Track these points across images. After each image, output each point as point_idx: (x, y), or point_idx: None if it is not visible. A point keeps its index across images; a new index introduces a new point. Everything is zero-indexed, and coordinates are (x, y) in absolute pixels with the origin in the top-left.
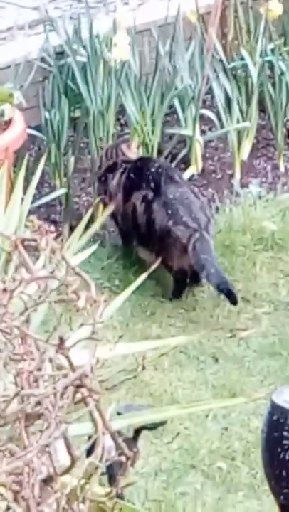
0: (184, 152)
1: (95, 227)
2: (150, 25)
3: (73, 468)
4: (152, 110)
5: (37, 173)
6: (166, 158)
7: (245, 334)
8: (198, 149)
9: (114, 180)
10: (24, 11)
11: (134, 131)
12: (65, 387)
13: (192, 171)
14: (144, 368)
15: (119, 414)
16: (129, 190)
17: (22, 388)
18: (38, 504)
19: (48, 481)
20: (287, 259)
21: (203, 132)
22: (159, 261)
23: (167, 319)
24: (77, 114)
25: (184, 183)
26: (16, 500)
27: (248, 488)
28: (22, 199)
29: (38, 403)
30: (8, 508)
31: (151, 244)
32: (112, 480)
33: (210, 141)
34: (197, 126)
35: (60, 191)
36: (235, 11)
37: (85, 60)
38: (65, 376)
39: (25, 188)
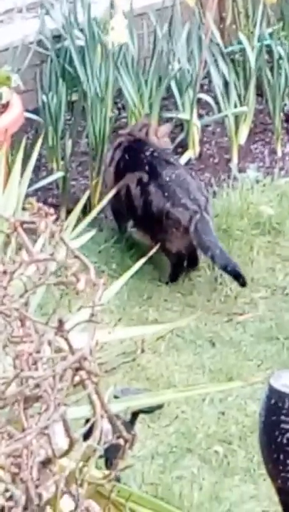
0: (181, 136)
1: (95, 212)
2: (148, 8)
3: (71, 451)
4: (150, 94)
5: (33, 156)
6: None
7: (242, 318)
8: (195, 133)
9: (109, 155)
10: None
11: (132, 115)
12: (65, 370)
13: (189, 155)
14: (143, 351)
15: (116, 397)
16: (122, 171)
17: (22, 370)
18: (37, 486)
19: (46, 463)
20: (284, 243)
21: (200, 116)
22: (157, 246)
23: (164, 303)
24: (75, 97)
25: (180, 165)
26: (14, 482)
27: (245, 472)
28: (19, 182)
29: (37, 385)
30: (6, 490)
31: (148, 226)
32: (108, 463)
33: (207, 125)
34: (195, 110)
35: (58, 174)
36: None
37: (82, 43)
38: (63, 359)
39: (22, 171)
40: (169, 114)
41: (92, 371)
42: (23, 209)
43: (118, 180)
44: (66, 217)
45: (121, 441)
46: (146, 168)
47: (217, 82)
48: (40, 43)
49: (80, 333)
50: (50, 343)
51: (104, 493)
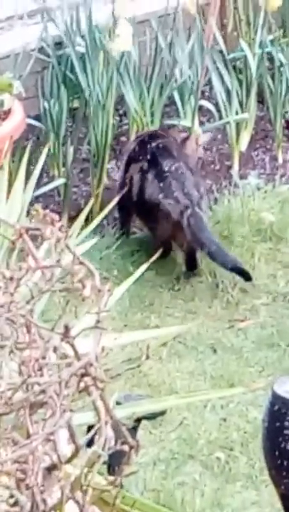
0: None
1: (99, 217)
2: (150, 15)
3: (76, 457)
4: (152, 101)
5: (39, 163)
6: None
7: (243, 325)
8: None
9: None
10: (22, 1)
11: (133, 122)
12: (71, 376)
13: None
14: (148, 357)
15: (118, 404)
16: (129, 162)
17: (29, 376)
18: (41, 492)
19: (51, 469)
20: (286, 250)
21: (201, 123)
22: (159, 252)
23: (166, 309)
24: (76, 104)
25: (182, 159)
26: (19, 488)
27: (246, 478)
28: (23, 189)
29: (43, 391)
30: (11, 496)
31: (142, 214)
32: (111, 469)
33: (208, 132)
34: (196, 117)
35: (59, 181)
36: (235, 2)
37: (83, 50)
38: (69, 365)
39: (25, 178)
40: (170, 121)
41: (97, 377)
42: (29, 215)
43: (127, 171)
44: (68, 224)
45: (124, 448)
46: (148, 157)
47: (218, 89)
48: (41, 49)
49: (83, 339)
50: (55, 349)
51: (108, 499)
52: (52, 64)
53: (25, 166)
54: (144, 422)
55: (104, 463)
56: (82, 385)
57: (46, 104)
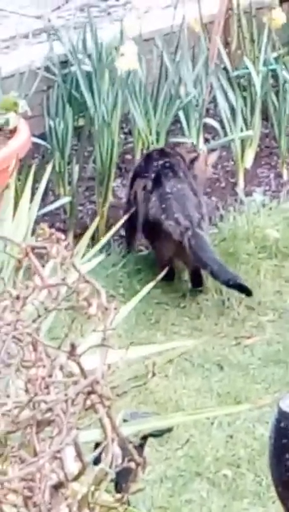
0: None
1: (108, 236)
2: (156, 33)
3: (83, 475)
4: (159, 119)
5: (43, 181)
6: None
7: (249, 342)
8: None
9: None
10: (27, 20)
11: (139, 140)
12: (77, 394)
13: None
14: (154, 374)
15: (125, 421)
16: (134, 177)
17: (36, 394)
18: (48, 510)
19: (57, 487)
20: None
21: (206, 141)
22: (165, 270)
23: (172, 327)
24: (81, 122)
25: (186, 180)
26: (26, 506)
27: (254, 495)
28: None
29: (49, 409)
30: None
31: (147, 232)
32: (118, 487)
33: (213, 149)
34: (201, 135)
35: (65, 199)
36: (239, 20)
37: (89, 69)
38: (75, 383)
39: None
40: (175, 139)
41: (104, 395)
42: (35, 234)
43: (132, 186)
44: (73, 242)
45: (131, 465)
46: (153, 175)
47: (223, 107)
48: (46, 68)
49: (89, 356)
50: (62, 368)
51: None
52: (57, 83)
53: (31, 184)
54: (150, 440)
55: (111, 480)
56: (88, 402)
57: (52, 123)
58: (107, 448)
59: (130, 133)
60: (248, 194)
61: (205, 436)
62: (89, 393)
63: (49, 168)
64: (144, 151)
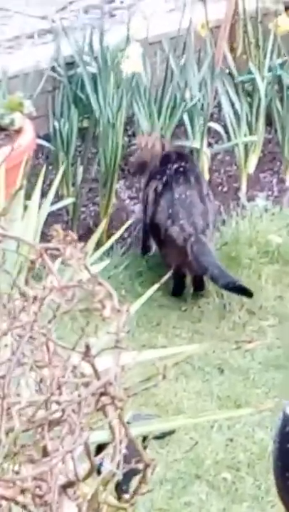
0: None
1: (112, 239)
2: (162, 36)
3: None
4: (163, 122)
5: (54, 184)
6: None
7: (250, 346)
8: (205, 162)
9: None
10: (31, 20)
11: None
12: (92, 395)
13: None
14: (164, 377)
15: (128, 423)
16: (150, 177)
17: (52, 394)
18: (56, 509)
19: (65, 486)
20: None
21: (210, 145)
22: (169, 273)
23: (173, 330)
24: (86, 124)
25: (196, 187)
26: (35, 505)
27: (253, 499)
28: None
29: (62, 410)
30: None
31: (154, 236)
32: (119, 488)
33: (216, 153)
34: (205, 139)
35: (68, 200)
36: (245, 25)
37: (94, 70)
38: (86, 384)
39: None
40: (179, 143)
41: (117, 396)
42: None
43: (148, 185)
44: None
45: (139, 466)
46: (165, 179)
47: (227, 111)
48: (52, 69)
49: (98, 358)
50: (75, 368)
51: None
52: (63, 84)
53: (34, 185)
54: (150, 442)
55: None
56: (99, 403)
57: (56, 124)
58: (115, 449)
59: (134, 135)
60: (250, 199)
61: (205, 439)
62: (101, 394)
63: (61, 170)
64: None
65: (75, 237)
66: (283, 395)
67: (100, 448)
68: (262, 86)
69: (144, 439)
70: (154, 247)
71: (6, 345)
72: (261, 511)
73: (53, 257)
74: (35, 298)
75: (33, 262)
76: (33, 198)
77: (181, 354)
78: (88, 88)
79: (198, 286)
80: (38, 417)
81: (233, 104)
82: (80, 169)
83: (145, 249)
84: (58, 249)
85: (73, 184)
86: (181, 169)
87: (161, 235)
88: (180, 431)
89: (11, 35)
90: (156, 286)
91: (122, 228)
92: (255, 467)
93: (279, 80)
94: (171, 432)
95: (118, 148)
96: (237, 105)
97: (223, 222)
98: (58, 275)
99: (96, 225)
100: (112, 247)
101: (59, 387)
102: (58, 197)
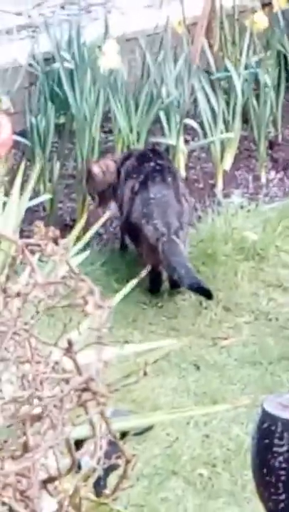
0: None
1: (91, 232)
2: (139, 34)
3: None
4: (139, 119)
5: (30, 180)
6: None
7: (226, 343)
8: (181, 159)
9: (125, 166)
10: (7, 16)
11: (119, 139)
12: (75, 390)
13: None
14: (145, 373)
15: None
16: (126, 176)
17: (36, 390)
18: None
19: (46, 482)
20: (268, 269)
21: (186, 142)
22: (147, 270)
23: (149, 326)
24: (63, 120)
25: (172, 187)
26: (15, 500)
27: (229, 494)
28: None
29: (44, 405)
30: (10, 509)
31: (130, 234)
32: (97, 484)
33: (192, 150)
34: (181, 135)
35: (45, 197)
36: (221, 22)
37: (71, 66)
38: (67, 380)
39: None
40: (155, 139)
41: (99, 392)
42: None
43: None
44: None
45: (118, 462)
46: (142, 177)
47: (204, 108)
48: (29, 65)
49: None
50: (56, 364)
51: None
52: (40, 80)
53: (10, 181)
54: (127, 438)
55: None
56: (80, 399)
57: (33, 120)
58: (96, 445)
59: (111, 132)
60: (226, 196)
61: (182, 435)
62: (83, 390)
63: (37, 166)
64: (130, 150)
65: (58, 233)
66: (259, 391)
67: (77, 444)
68: (238, 83)
69: (124, 435)
70: (130, 245)
71: None
72: (237, 507)
73: (32, 253)
74: (18, 294)
75: (14, 258)
76: (13, 194)
77: (158, 350)
78: (65, 84)
79: (175, 284)
80: (21, 413)
81: (209, 101)
82: (57, 165)
83: (124, 246)
84: (38, 245)
85: (50, 180)
86: (158, 167)
87: (137, 233)
88: (156, 427)
89: None
90: (133, 282)
91: (98, 223)
92: (231, 463)
93: (255, 78)
94: (149, 428)
95: (95, 145)
96: (213, 102)
97: (199, 218)
98: (39, 271)
99: (73, 220)
100: (88, 244)
101: (41, 383)
102: (35, 193)
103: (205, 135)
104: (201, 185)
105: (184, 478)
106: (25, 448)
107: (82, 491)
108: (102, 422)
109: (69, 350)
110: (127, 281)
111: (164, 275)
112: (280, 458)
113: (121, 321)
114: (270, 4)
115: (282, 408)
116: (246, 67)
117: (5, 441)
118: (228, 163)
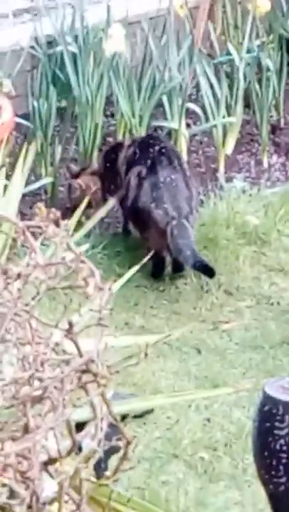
0: None
1: (95, 219)
2: (142, 17)
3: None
4: (142, 102)
5: (27, 162)
6: None
7: (227, 327)
8: (183, 143)
9: (122, 154)
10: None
11: (121, 122)
12: (75, 372)
13: None
14: (146, 355)
15: None
16: (130, 164)
17: (37, 370)
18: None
19: (47, 463)
20: (270, 253)
21: (188, 126)
22: (149, 255)
23: (150, 310)
24: (65, 103)
25: (180, 171)
26: (16, 482)
27: (230, 478)
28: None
29: (45, 387)
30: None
31: (135, 220)
32: (98, 466)
33: (194, 134)
34: (183, 119)
35: (46, 180)
36: (224, 6)
37: (74, 50)
38: (68, 361)
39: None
40: (157, 123)
41: (100, 373)
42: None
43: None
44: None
45: (119, 444)
46: (148, 162)
47: (206, 93)
48: (31, 48)
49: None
50: (56, 345)
51: (101, 499)
52: (42, 63)
53: (13, 164)
54: (128, 421)
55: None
56: (81, 381)
57: (35, 103)
58: (97, 427)
59: (113, 115)
60: (228, 180)
61: (182, 418)
62: (83, 372)
63: (33, 149)
64: (132, 137)
65: (58, 214)
66: (260, 375)
67: (78, 426)
68: (240, 67)
69: (124, 417)
70: (133, 231)
71: None
72: (238, 490)
73: (34, 236)
74: (18, 275)
75: (15, 240)
76: (14, 176)
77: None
78: (68, 67)
79: (177, 268)
80: (22, 394)
81: (211, 85)
82: (59, 149)
83: (127, 231)
84: (39, 227)
85: (51, 164)
86: (164, 150)
87: (145, 218)
88: (157, 410)
89: None
90: (135, 267)
91: (101, 210)
92: (232, 447)
93: (258, 62)
94: (149, 411)
95: (97, 128)
96: (215, 86)
97: (202, 202)
98: (40, 252)
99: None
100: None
101: (42, 364)
102: (36, 176)
103: (207, 119)
104: (202, 170)
105: (185, 461)
106: (26, 429)
107: (83, 472)
108: (102, 404)
109: (69, 331)
110: (129, 265)
111: (168, 260)
112: (281, 441)
113: (122, 304)
114: None
115: (284, 391)
116: (248, 51)
117: (5, 423)
118: (230, 147)
